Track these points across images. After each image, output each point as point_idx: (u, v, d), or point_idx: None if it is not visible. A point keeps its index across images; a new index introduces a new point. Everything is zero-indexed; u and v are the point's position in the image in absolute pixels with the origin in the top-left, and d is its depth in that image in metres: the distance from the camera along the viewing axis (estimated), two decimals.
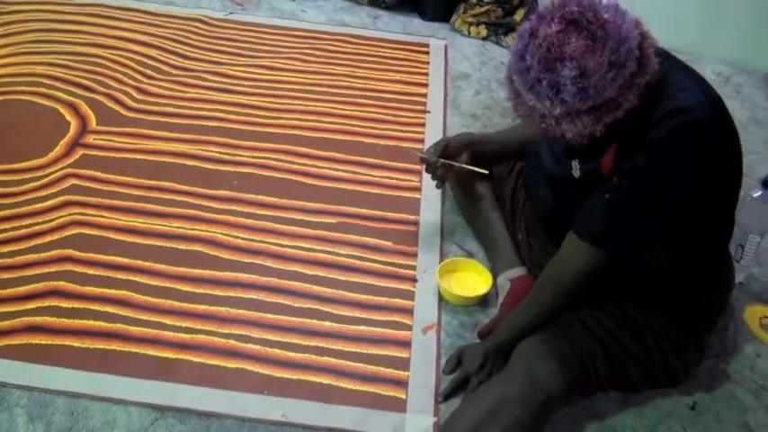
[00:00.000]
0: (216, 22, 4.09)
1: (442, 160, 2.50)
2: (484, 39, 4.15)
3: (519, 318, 2.17)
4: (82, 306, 2.43)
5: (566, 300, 2.09)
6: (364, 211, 2.86)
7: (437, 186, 2.61)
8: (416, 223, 2.82)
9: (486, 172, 2.51)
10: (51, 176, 2.94)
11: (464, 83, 3.75)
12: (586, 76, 1.71)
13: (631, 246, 1.96)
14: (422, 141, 3.25)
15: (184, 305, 2.45)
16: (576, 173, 2.04)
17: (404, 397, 2.22)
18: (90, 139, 3.16)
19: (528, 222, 2.46)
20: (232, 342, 2.34)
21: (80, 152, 3.08)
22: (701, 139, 1.81)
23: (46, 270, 2.54)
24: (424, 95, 3.61)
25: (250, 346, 2.33)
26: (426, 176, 2.63)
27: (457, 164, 2.51)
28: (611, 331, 2.08)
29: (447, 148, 2.53)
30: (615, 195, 1.88)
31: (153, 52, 3.80)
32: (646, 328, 2.08)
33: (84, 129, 3.21)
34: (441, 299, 2.53)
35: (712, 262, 2.16)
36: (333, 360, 2.31)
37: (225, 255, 2.64)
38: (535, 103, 1.80)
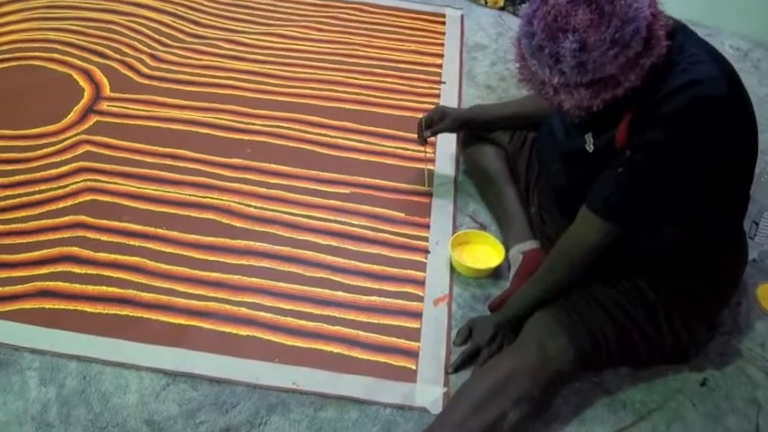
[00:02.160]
0: None
1: (429, 139, 2.71)
2: (501, 9, 4.14)
3: (530, 291, 2.19)
4: (95, 272, 2.46)
5: (577, 274, 2.11)
6: (377, 182, 2.88)
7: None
8: (430, 194, 2.83)
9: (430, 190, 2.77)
10: (65, 143, 2.96)
11: (480, 54, 3.75)
12: (586, 51, 1.72)
13: (645, 220, 1.97)
14: None
15: (197, 272, 2.48)
16: (590, 147, 2.05)
17: (414, 367, 2.24)
18: (104, 105, 3.18)
19: (541, 196, 2.48)
20: (244, 310, 2.37)
21: (94, 119, 3.10)
22: (717, 113, 1.81)
23: (59, 236, 2.57)
24: (440, 66, 3.61)
25: (262, 314, 2.36)
26: (440, 147, 2.66)
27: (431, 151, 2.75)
28: (623, 307, 2.09)
29: (441, 119, 2.68)
30: (628, 169, 1.90)
31: (167, 19, 3.82)
32: (657, 304, 2.09)
33: (97, 95, 3.24)
34: (452, 271, 2.55)
35: (726, 238, 2.16)
36: (344, 329, 2.33)
37: (237, 223, 2.67)
38: (537, 69, 1.83)
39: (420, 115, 2.71)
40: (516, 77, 1.96)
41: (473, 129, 2.74)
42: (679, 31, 1.87)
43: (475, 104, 2.92)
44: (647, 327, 2.08)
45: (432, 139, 2.85)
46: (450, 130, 2.73)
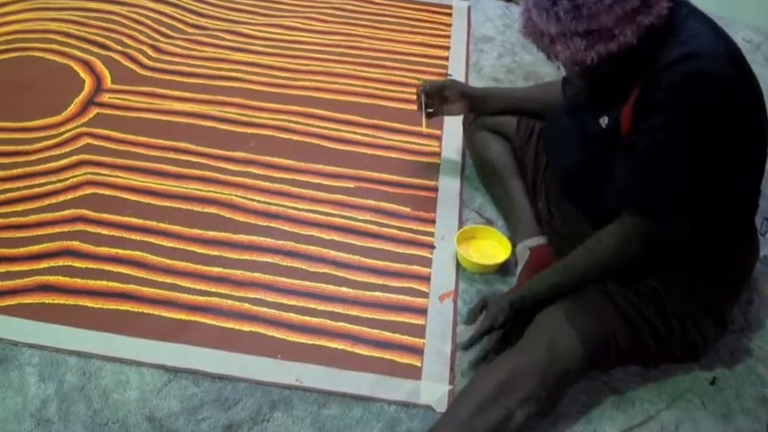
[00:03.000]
0: None
1: (424, 97, 2.66)
2: (508, 0, 4.13)
3: (552, 277, 2.15)
4: (95, 266, 2.47)
5: (607, 271, 2.10)
6: (383, 176, 2.88)
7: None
8: (435, 189, 2.83)
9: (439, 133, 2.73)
10: (65, 135, 2.97)
11: (487, 46, 3.74)
12: None
13: (670, 205, 1.97)
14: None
15: (199, 267, 2.48)
16: (602, 124, 2.04)
17: (419, 364, 2.24)
18: (105, 97, 3.19)
19: (549, 189, 2.47)
20: (247, 305, 2.37)
21: (94, 111, 3.11)
22: (717, 89, 1.81)
23: (59, 230, 2.58)
24: (446, 58, 3.61)
25: (265, 309, 2.37)
26: (446, 141, 2.66)
27: (429, 109, 2.68)
28: (634, 304, 2.08)
29: (443, 89, 2.66)
30: (637, 157, 1.92)
31: (168, 9, 3.83)
32: (667, 301, 2.08)
33: (98, 87, 3.24)
34: (458, 266, 2.55)
35: (736, 234, 2.16)
36: (348, 325, 2.34)
37: (241, 217, 2.67)
38: (536, 16, 1.86)
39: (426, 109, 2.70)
40: (520, 32, 1.99)
41: (482, 111, 2.75)
42: (684, 5, 1.89)
43: (482, 87, 2.93)
44: (658, 325, 2.07)
45: (439, 132, 2.84)
46: (460, 113, 2.75)
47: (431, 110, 2.69)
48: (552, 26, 1.83)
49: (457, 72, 3.49)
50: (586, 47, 1.82)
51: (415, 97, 2.70)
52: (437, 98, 2.67)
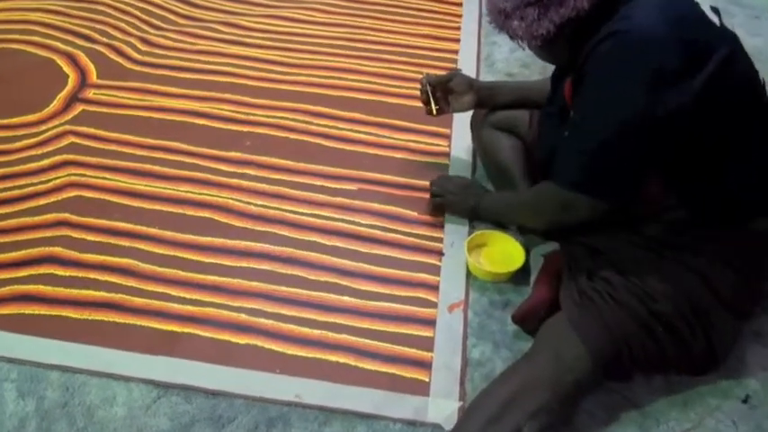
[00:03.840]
0: None
1: (430, 87, 2.68)
2: None
3: (501, 200, 2.55)
4: (80, 274, 2.47)
5: (534, 224, 2.46)
6: (388, 178, 2.88)
7: (427, 112, 2.74)
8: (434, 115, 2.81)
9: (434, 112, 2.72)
10: (47, 133, 2.98)
11: (500, 38, 3.72)
12: None
13: (613, 183, 2.01)
14: None
15: (192, 275, 2.49)
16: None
17: (427, 379, 2.24)
18: (90, 93, 3.20)
19: None
20: (243, 316, 2.37)
21: (79, 107, 3.12)
22: (645, 54, 1.86)
23: (41, 235, 2.59)
24: (456, 52, 3.62)
25: (262, 320, 2.37)
26: (456, 140, 2.66)
27: (433, 99, 2.70)
28: (644, 302, 2.07)
29: (449, 81, 2.69)
30: (570, 131, 2.02)
31: None
32: (680, 296, 2.07)
33: (83, 82, 3.25)
34: (469, 274, 2.55)
35: (751, 207, 2.14)
36: (351, 338, 2.34)
37: (236, 222, 2.67)
38: None
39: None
40: (486, 19, 2.12)
41: (491, 104, 2.76)
42: None
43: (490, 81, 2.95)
44: (674, 322, 2.06)
45: (447, 131, 2.85)
46: (469, 107, 2.76)
47: (437, 105, 2.69)
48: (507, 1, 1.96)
49: (467, 66, 3.50)
50: (539, 15, 1.93)
51: (418, 93, 2.71)
52: (443, 91, 2.68)
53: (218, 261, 2.54)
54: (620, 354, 2.04)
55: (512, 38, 2.05)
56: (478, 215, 2.64)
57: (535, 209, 2.28)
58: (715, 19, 2.00)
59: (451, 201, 2.67)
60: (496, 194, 2.64)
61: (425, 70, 3.24)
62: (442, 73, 2.71)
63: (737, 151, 2.02)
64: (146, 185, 2.78)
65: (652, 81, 1.86)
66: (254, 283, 2.47)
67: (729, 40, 1.98)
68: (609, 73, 1.89)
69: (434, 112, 2.68)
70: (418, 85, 2.70)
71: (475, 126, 2.84)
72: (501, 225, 2.64)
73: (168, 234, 2.61)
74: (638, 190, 2.01)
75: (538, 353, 2.06)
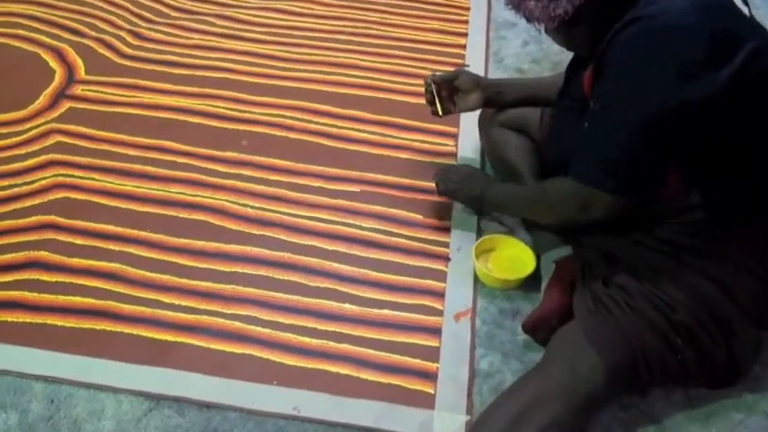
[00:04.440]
0: None
1: (435, 86, 2.66)
2: None
3: (510, 191, 2.47)
4: (67, 280, 2.47)
5: (546, 221, 2.41)
6: (391, 179, 2.88)
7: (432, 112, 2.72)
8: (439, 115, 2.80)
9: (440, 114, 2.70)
10: (32, 132, 2.98)
11: (509, 32, 3.75)
12: None
13: (633, 179, 1.98)
14: None
15: (185, 281, 2.49)
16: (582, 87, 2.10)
17: (432, 391, 2.24)
18: (78, 89, 3.20)
19: None
20: (238, 324, 2.37)
21: (66, 105, 3.12)
22: (670, 41, 1.84)
23: (26, 238, 2.59)
24: (463, 47, 3.62)
25: (258, 329, 2.36)
26: (463, 140, 2.66)
27: (438, 98, 2.68)
28: (661, 309, 2.05)
29: (455, 80, 2.66)
30: (586, 121, 1.99)
31: None
32: (699, 303, 2.05)
33: (70, 78, 3.25)
34: (477, 281, 2.55)
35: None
36: (352, 347, 2.33)
37: (232, 225, 2.67)
38: None
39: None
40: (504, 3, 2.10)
41: (499, 102, 2.74)
42: None
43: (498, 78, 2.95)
44: (698, 334, 2.05)
45: (454, 129, 2.84)
46: (476, 106, 2.74)
47: (443, 105, 2.69)
48: None
49: (475, 62, 3.50)
50: None
51: (423, 91, 2.71)
52: (448, 90, 2.68)
53: (213, 266, 2.54)
54: (637, 365, 2.04)
55: (528, 20, 2.03)
56: (483, 205, 2.60)
57: (548, 204, 2.22)
58: (745, 10, 1.99)
59: (455, 189, 2.63)
60: (505, 185, 2.58)
61: (431, 66, 3.25)
62: (448, 71, 2.70)
63: (764, 147, 2.01)
64: (136, 186, 2.78)
65: (678, 71, 1.84)
66: (251, 290, 2.47)
67: (759, 32, 1.96)
68: (632, 61, 1.87)
69: (440, 112, 2.67)
70: (423, 83, 2.69)
71: (483, 125, 2.84)
72: (512, 229, 2.63)
73: (160, 238, 2.61)
74: (659, 186, 2.00)
75: (550, 363, 2.05)
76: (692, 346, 2.05)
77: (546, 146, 2.59)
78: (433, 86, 2.65)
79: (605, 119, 1.94)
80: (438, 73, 2.68)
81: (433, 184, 2.71)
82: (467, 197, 2.64)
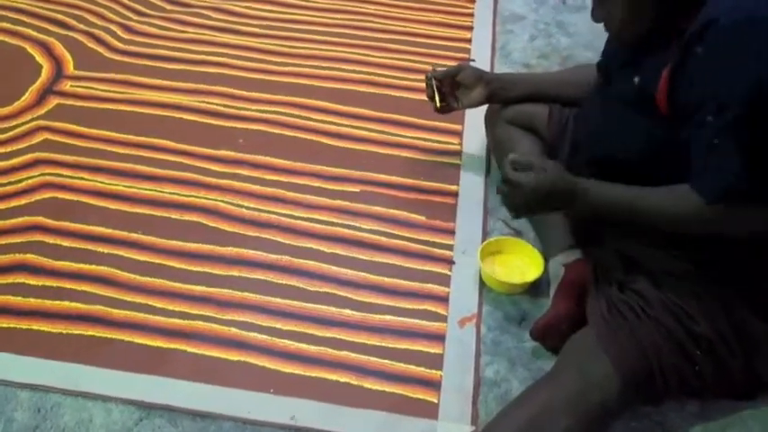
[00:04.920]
0: None
1: (436, 82, 2.67)
2: None
3: (621, 191, 2.08)
4: (54, 284, 2.47)
5: (667, 228, 2.06)
6: (393, 179, 2.88)
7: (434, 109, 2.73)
8: (455, 194, 2.83)
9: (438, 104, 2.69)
10: (18, 129, 2.98)
11: (516, 26, 3.75)
12: None
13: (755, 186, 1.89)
14: None
15: (178, 285, 2.49)
16: (635, 83, 2.04)
17: (435, 401, 2.23)
18: (66, 85, 3.20)
19: None
20: (234, 330, 2.37)
21: (54, 101, 3.12)
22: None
23: (11, 240, 2.59)
24: (468, 41, 3.62)
25: (255, 335, 2.36)
26: (468, 138, 2.65)
27: (438, 94, 2.69)
28: (679, 318, 2.05)
29: (457, 75, 2.67)
30: (708, 133, 1.87)
31: None
32: (721, 313, 2.05)
33: (58, 73, 3.25)
34: (482, 285, 2.55)
35: None
36: (352, 355, 2.33)
37: (227, 227, 2.67)
38: None
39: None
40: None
41: (504, 98, 2.73)
42: None
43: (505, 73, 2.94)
44: (715, 346, 2.05)
45: (458, 127, 2.84)
46: (479, 102, 2.74)
47: (444, 102, 2.69)
48: None
49: (481, 57, 3.50)
50: None
51: (425, 87, 2.71)
52: (450, 85, 2.67)
53: (207, 269, 2.54)
54: (653, 375, 2.02)
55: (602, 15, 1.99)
56: (573, 207, 2.13)
57: (669, 217, 2.03)
58: None
59: (536, 203, 2.12)
60: (606, 184, 2.17)
61: (435, 61, 3.24)
62: (451, 65, 2.70)
63: None
64: (127, 186, 2.78)
65: None
66: (247, 294, 2.47)
67: None
68: (747, 54, 1.79)
69: (438, 105, 2.67)
70: (424, 79, 2.69)
71: (489, 122, 2.83)
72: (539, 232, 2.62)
73: (152, 240, 2.61)
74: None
75: (561, 371, 2.04)
76: (711, 358, 2.04)
77: (556, 145, 2.58)
78: (434, 81, 2.65)
79: (726, 125, 1.84)
80: (440, 68, 2.69)
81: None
82: (552, 194, 2.17)
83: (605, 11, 2.00)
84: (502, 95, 2.69)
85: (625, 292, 2.13)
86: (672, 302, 2.05)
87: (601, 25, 2.02)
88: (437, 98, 2.67)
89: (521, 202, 2.10)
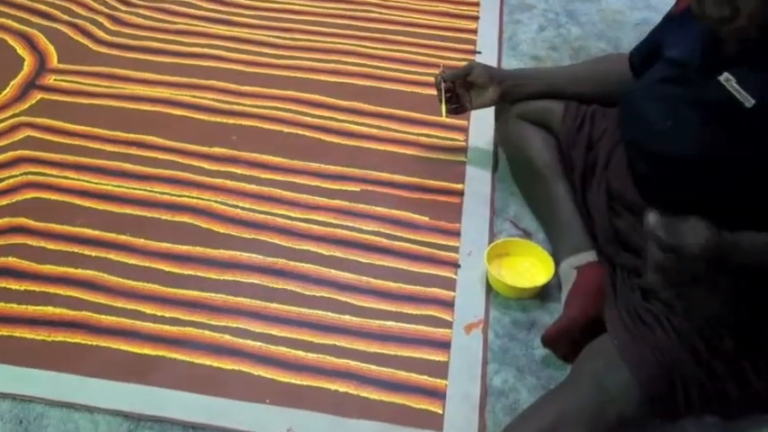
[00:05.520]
0: None
1: (445, 84, 2.67)
2: None
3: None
4: (38, 288, 2.47)
5: None
6: (395, 177, 2.88)
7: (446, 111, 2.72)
8: (460, 193, 2.83)
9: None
10: None
11: (525, 15, 3.75)
12: None
13: None
14: None
15: (169, 290, 2.48)
16: (746, 101, 1.98)
17: (440, 411, 2.23)
18: (50, 79, 3.20)
19: (616, 180, 2.42)
20: (227, 337, 2.37)
21: (37, 96, 3.12)
22: None
23: None
24: (474, 31, 3.62)
25: (249, 342, 2.36)
26: (474, 134, 2.65)
27: (445, 98, 2.69)
28: (707, 335, 2.05)
29: (468, 75, 2.66)
30: None
31: None
32: (752, 331, 2.06)
33: (41, 67, 3.26)
34: (489, 289, 2.55)
35: None
36: (352, 363, 2.33)
37: (220, 228, 2.67)
38: None
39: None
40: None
41: (517, 97, 2.73)
42: None
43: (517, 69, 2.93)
44: (740, 362, 2.05)
45: (464, 122, 2.83)
46: (492, 102, 2.74)
47: (454, 105, 2.70)
48: None
49: (487, 48, 3.50)
50: None
51: (432, 81, 2.71)
52: (463, 86, 2.67)
53: (199, 273, 2.54)
54: (674, 390, 2.02)
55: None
56: (724, 265, 1.93)
57: None
58: None
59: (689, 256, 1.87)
60: (741, 237, 1.96)
61: (437, 53, 3.26)
62: (459, 65, 2.69)
63: None
64: (115, 186, 2.79)
65: None
66: (241, 300, 2.47)
67: None
68: None
69: (445, 114, 2.69)
70: (431, 70, 2.70)
71: (500, 117, 2.83)
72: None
73: (141, 242, 2.61)
74: None
75: (577, 381, 2.04)
76: (736, 376, 2.05)
77: (570, 143, 2.57)
78: (443, 85, 2.65)
79: None
80: (448, 69, 2.68)
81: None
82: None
83: (728, 6, 1.91)
84: (515, 93, 2.69)
85: (649, 299, 2.12)
86: (698, 316, 2.06)
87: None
88: (444, 104, 2.67)
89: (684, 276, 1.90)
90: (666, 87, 2.22)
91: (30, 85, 3.16)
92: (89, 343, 2.33)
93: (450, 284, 2.55)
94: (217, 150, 2.93)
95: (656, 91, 2.25)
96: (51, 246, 2.58)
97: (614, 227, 2.38)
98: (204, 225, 2.68)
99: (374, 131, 3.06)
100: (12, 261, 2.53)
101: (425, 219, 2.74)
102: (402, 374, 2.31)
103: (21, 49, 3.32)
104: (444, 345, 2.39)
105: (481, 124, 3.03)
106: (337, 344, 2.37)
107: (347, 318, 2.44)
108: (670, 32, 2.28)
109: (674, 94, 2.18)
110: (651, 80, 2.27)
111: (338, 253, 2.62)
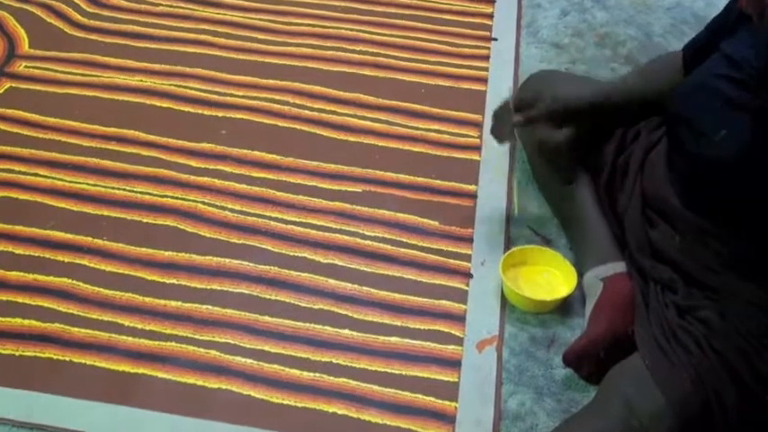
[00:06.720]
0: None
1: (517, 122, 2.48)
2: None
3: None
4: (4, 298, 2.47)
5: None
6: (401, 177, 2.88)
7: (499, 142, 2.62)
8: (473, 195, 2.84)
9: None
10: None
11: (545, 0, 3.75)
12: None
13: None
14: (483, 81, 3.26)
15: (149, 300, 2.48)
16: None
17: None
18: (20, 66, 3.21)
19: (651, 185, 2.40)
20: (214, 353, 2.37)
21: (6, 84, 3.13)
22: None
23: None
24: (490, 16, 3.62)
25: (239, 359, 2.36)
26: (488, 130, 2.65)
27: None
28: (749, 358, 2.04)
29: (533, 102, 2.47)
30: None
31: None
32: None
33: (11, 53, 3.26)
34: (505, 302, 2.55)
35: None
36: (352, 382, 2.33)
37: (207, 232, 2.68)
38: None
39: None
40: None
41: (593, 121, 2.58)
42: None
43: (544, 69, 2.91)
44: None
45: (478, 117, 2.83)
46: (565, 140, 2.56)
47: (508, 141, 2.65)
48: None
49: (504, 35, 3.50)
50: None
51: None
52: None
53: (184, 282, 2.54)
54: (710, 418, 2.02)
55: None
56: None
57: None
58: None
59: None
60: None
61: (448, 39, 3.26)
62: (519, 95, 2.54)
63: None
64: (91, 185, 2.79)
65: None
66: (229, 312, 2.47)
67: None
68: None
69: (516, 205, 2.69)
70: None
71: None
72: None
73: (120, 247, 2.61)
74: None
75: (603, 404, 2.05)
76: None
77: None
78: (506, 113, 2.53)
79: None
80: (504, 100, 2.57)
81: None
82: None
83: None
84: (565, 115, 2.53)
85: (686, 317, 2.12)
86: (740, 337, 2.05)
87: None
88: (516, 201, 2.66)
89: None
90: (720, 84, 2.18)
91: None
92: (61, 358, 2.33)
93: (461, 296, 2.55)
94: (204, 146, 2.94)
95: (710, 86, 2.20)
96: (20, 251, 2.58)
97: (648, 237, 2.37)
98: (189, 229, 2.68)
99: (378, 126, 3.06)
100: None
101: (434, 223, 2.74)
102: (407, 396, 2.31)
103: None
104: (454, 363, 2.39)
105: None
106: (336, 361, 2.37)
107: (347, 333, 2.44)
108: (729, 27, 2.26)
109: (728, 95, 2.14)
110: (704, 75, 2.25)
111: (337, 261, 2.62)
